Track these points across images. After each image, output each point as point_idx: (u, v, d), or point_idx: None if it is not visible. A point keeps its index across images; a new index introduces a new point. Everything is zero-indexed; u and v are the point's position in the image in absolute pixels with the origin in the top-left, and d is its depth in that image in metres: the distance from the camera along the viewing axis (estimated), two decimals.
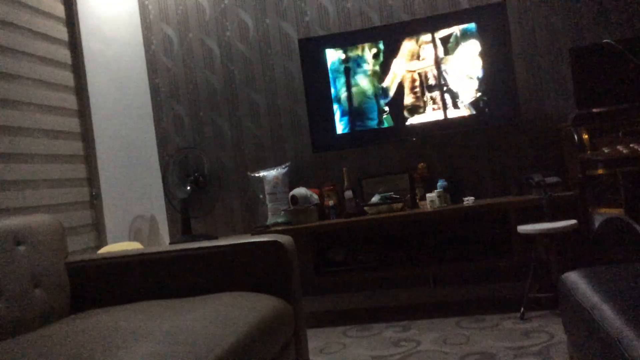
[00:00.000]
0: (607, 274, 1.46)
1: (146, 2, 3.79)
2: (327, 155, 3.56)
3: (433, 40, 3.24)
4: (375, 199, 3.23)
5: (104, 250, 2.70)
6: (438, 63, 3.25)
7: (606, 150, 2.79)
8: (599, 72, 3.00)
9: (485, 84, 3.18)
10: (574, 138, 2.88)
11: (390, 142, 3.41)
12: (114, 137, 3.24)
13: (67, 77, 2.93)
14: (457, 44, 3.22)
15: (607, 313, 1.17)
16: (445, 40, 3.23)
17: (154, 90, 3.79)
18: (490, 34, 3.17)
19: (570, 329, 1.48)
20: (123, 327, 1.50)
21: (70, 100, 2.92)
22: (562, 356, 2.17)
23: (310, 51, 3.38)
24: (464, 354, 2.34)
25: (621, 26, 3.24)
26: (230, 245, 2.01)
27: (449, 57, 3.22)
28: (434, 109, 3.25)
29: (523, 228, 2.73)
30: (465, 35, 3.21)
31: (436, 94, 3.25)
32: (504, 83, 3.15)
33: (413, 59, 3.27)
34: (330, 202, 3.30)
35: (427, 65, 3.26)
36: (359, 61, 3.34)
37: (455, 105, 3.23)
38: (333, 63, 3.36)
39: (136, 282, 2.01)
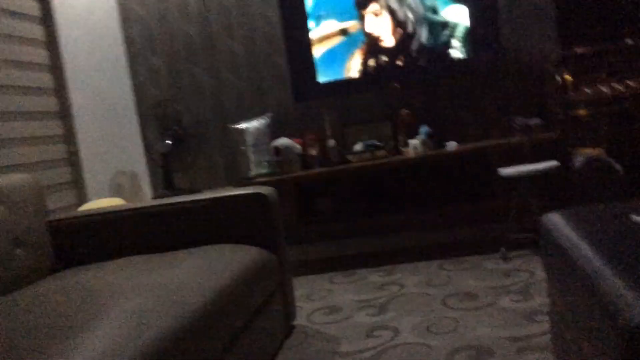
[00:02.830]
0: (587, 214, 1.48)
1: None
2: (309, 105, 3.51)
3: None
4: (358, 147, 3.22)
5: (85, 207, 2.68)
6: (418, 6, 3.17)
7: (588, 91, 2.78)
8: (583, 10, 2.95)
9: (468, 26, 3.12)
10: (556, 79, 2.87)
11: (371, 89, 3.37)
12: (89, 91, 3.16)
13: (37, 31, 2.82)
14: None
15: (585, 252, 1.19)
16: None
17: (129, 42, 3.67)
18: None
19: (550, 268, 1.52)
20: (108, 283, 1.50)
21: (41, 55, 2.82)
22: (541, 294, 2.23)
23: None
24: (447, 294, 2.39)
25: None
26: (213, 198, 2.00)
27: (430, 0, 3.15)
28: (415, 54, 3.20)
29: (505, 171, 2.74)
30: None
31: (417, 38, 3.19)
32: (487, 25, 3.09)
33: (391, 4, 3.19)
34: (313, 152, 3.28)
35: (406, 9, 3.18)
36: (337, 6, 3.25)
37: (438, 49, 3.17)
38: (312, 8, 3.26)
39: (120, 239, 2.01)
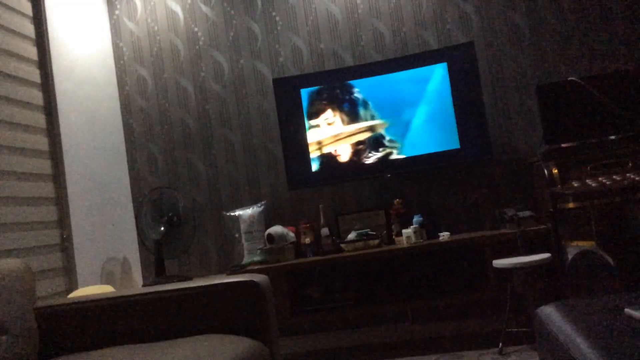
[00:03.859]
0: (581, 306, 1.47)
1: (120, 44, 3.81)
2: (303, 193, 3.56)
3: (403, 80, 3.32)
4: (351, 235, 3.23)
5: (74, 294, 2.63)
6: (409, 101, 3.31)
7: (576, 184, 2.85)
8: (565, 108, 3.09)
9: (457, 121, 3.24)
10: (544, 172, 2.94)
11: (365, 179, 3.44)
12: (86, 178, 3.20)
13: (39, 119, 2.91)
14: (427, 83, 3.30)
15: (580, 345, 1.18)
16: (416, 80, 3.31)
17: (128, 130, 3.78)
18: (459, 72, 3.26)
19: None
20: None
21: (41, 142, 2.89)
22: None
23: (285, 90, 3.43)
24: None
25: (583, 64, 3.36)
26: (204, 286, 1.98)
27: (420, 96, 3.30)
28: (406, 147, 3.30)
29: (498, 262, 2.75)
30: (435, 74, 3.29)
31: (409, 131, 3.30)
32: (475, 120, 3.22)
33: (385, 99, 3.34)
34: (307, 240, 3.28)
35: (399, 104, 3.32)
36: (333, 100, 3.39)
37: (429, 142, 3.28)
38: (308, 102, 3.40)
39: (107, 327, 1.96)
